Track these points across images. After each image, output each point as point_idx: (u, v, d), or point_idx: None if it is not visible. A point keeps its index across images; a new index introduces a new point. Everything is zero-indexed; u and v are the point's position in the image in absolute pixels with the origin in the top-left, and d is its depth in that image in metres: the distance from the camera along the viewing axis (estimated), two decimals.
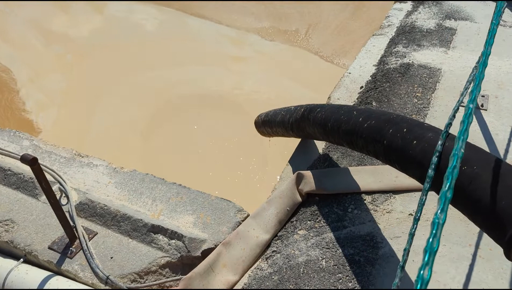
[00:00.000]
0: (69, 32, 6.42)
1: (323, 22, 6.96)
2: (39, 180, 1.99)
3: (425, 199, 1.38)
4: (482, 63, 1.20)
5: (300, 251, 2.10)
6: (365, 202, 2.30)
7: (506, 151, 2.49)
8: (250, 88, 5.64)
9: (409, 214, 2.21)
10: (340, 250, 2.07)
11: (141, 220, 2.30)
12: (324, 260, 2.01)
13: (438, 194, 1.55)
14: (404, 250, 1.29)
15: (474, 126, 2.69)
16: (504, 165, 1.39)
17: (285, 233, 2.25)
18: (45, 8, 7.04)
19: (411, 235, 1.32)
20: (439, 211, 0.89)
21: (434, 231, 0.80)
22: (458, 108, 1.66)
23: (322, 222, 2.23)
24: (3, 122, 5.16)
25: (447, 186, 0.85)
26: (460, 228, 2.07)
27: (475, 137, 2.61)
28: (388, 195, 2.33)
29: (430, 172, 1.43)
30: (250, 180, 4.36)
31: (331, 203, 2.33)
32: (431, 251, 0.77)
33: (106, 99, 5.20)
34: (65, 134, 4.75)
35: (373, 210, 2.23)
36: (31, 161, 1.92)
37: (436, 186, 1.53)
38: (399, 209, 2.24)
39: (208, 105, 5.05)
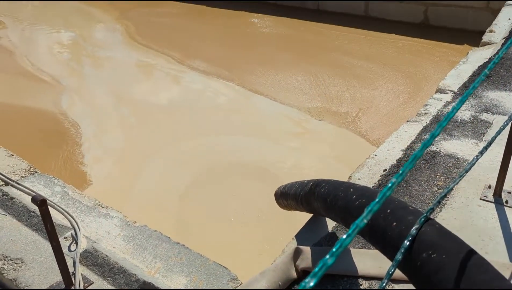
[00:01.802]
0: (139, 97, 7.00)
1: (374, 107, 7.05)
2: (44, 222, 2.13)
3: (386, 282, 1.31)
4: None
5: None
6: (361, 287, 2.19)
7: None
8: (293, 163, 5.71)
9: None
10: None
11: (135, 275, 2.34)
12: None
13: (414, 283, 1.48)
14: None
15: (494, 223, 2.53)
16: (475, 257, 1.31)
17: None
18: (126, 73, 7.79)
19: None
20: None
21: None
22: (445, 195, 1.61)
23: None
24: (60, 171, 5.59)
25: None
26: None
27: (493, 234, 2.44)
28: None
29: (398, 255, 1.38)
30: (275, 255, 4.28)
31: (325, 283, 2.23)
32: None
33: (156, 161, 5.51)
34: (112, 188, 5.05)
35: None
36: (40, 203, 2.08)
37: (408, 272, 1.47)
38: None
39: (250, 176, 5.17)
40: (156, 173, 5.22)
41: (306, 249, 2.36)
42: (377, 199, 0.91)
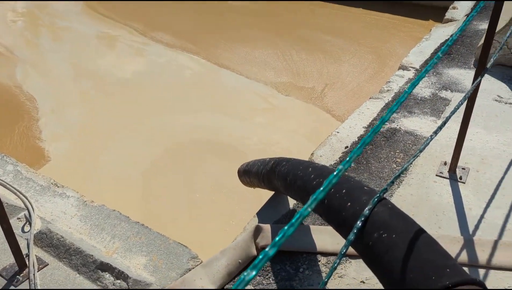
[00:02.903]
0: (100, 70, 6.73)
1: (341, 82, 7.08)
2: None
3: (338, 262, 1.33)
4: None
5: None
6: (319, 263, 2.23)
7: (476, 227, 2.39)
8: (259, 139, 5.70)
9: (361, 281, 2.11)
10: None
11: (92, 256, 2.29)
12: None
13: (366, 262, 1.50)
14: None
15: (448, 198, 2.61)
16: (424, 236, 1.34)
17: (232, 286, 2.18)
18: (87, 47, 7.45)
19: None
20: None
21: None
22: (399, 176, 1.62)
23: (271, 279, 2.16)
24: (16, 147, 5.36)
25: None
26: None
27: (447, 209, 2.53)
28: (344, 259, 2.25)
29: (351, 236, 1.39)
30: (239, 231, 4.30)
31: (285, 260, 2.26)
32: None
33: (119, 138, 5.36)
34: (72, 166, 4.89)
35: (324, 273, 2.15)
36: None
37: (361, 251, 1.49)
38: (352, 274, 2.15)
39: (215, 152, 5.12)
40: (119, 150, 5.09)
41: (266, 227, 2.36)
42: (322, 187, 0.89)
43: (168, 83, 6.41)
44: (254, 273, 0.77)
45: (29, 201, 2.69)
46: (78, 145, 5.20)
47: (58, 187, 2.90)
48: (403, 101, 1.26)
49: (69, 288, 2.18)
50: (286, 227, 0.84)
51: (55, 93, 6.16)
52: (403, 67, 4.58)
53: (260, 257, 0.79)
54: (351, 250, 2.22)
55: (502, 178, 2.77)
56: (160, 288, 2.17)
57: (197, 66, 6.94)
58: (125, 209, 2.97)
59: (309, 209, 0.88)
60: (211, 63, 6.96)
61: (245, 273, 0.76)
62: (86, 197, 2.82)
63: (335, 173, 0.92)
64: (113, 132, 5.37)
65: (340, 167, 0.94)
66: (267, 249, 0.81)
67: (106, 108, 5.81)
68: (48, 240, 2.42)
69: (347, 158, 0.94)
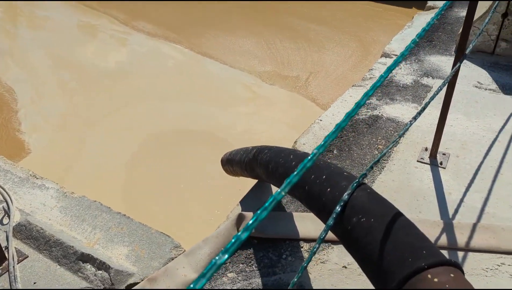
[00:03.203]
0: (81, 60, 6.60)
1: (325, 71, 7.09)
2: None
3: (318, 247, 1.33)
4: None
5: None
6: (301, 249, 2.24)
7: (456, 211, 2.42)
8: (243, 128, 5.68)
9: (343, 266, 2.13)
10: None
11: (72, 247, 2.26)
12: None
13: (346, 247, 1.51)
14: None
15: (429, 183, 2.64)
16: (401, 219, 1.35)
17: (215, 274, 2.18)
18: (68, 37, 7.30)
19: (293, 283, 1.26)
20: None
21: None
22: (378, 160, 1.63)
23: (253, 267, 2.17)
24: None
25: None
26: None
27: (427, 194, 2.56)
28: (326, 244, 2.26)
29: (330, 220, 1.39)
30: (223, 219, 4.29)
31: (268, 247, 2.26)
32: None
33: (100, 128, 5.28)
34: (52, 158, 4.81)
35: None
36: None
37: (340, 236, 1.49)
38: (334, 260, 2.17)
39: (199, 142, 5.09)
40: (101, 141, 5.02)
41: (249, 215, 2.36)
42: (296, 172, 0.89)
43: (150, 73, 6.33)
44: (226, 256, 0.76)
45: (7, 193, 2.64)
46: (58, 137, 5.12)
47: (37, 178, 2.85)
48: (378, 86, 1.26)
49: (50, 279, 2.15)
50: (259, 211, 0.83)
51: (34, 84, 6.04)
52: (386, 55, 4.59)
53: (232, 241, 0.79)
54: (333, 236, 2.24)
55: (481, 162, 2.82)
56: (143, 277, 2.15)
57: (180, 55, 6.87)
58: (107, 200, 2.93)
59: (283, 193, 0.88)
60: (194, 52, 6.89)
61: (217, 257, 0.75)
62: (66, 189, 2.77)
63: (309, 157, 0.92)
64: (94, 122, 5.29)
65: (315, 151, 0.93)
66: (239, 233, 0.80)
67: (87, 99, 5.72)
68: (28, 232, 2.38)
69: (322, 142, 0.93)
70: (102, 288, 2.12)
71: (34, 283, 2.13)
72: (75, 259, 2.23)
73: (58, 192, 2.73)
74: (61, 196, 2.70)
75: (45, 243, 2.32)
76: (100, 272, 2.18)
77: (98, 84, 6.01)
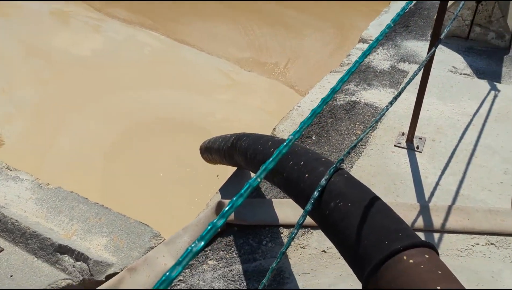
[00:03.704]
0: (54, 48, 6.43)
1: (303, 57, 7.08)
2: None
3: (296, 233, 1.34)
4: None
5: (205, 282, 2.03)
6: (281, 235, 2.25)
7: (432, 194, 2.47)
8: (222, 116, 5.65)
9: (323, 251, 2.16)
10: (245, 283, 2.00)
11: (49, 239, 2.22)
12: None
13: (324, 231, 1.53)
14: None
15: (406, 167, 2.69)
16: (378, 203, 1.37)
17: (195, 262, 2.18)
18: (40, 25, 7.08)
19: (272, 269, 1.27)
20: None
21: None
22: (355, 145, 1.64)
23: (234, 253, 2.17)
24: None
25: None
26: None
27: (404, 178, 2.60)
28: (306, 230, 2.28)
29: (308, 206, 1.40)
30: (203, 207, 4.28)
31: (248, 234, 2.27)
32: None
33: (76, 118, 5.17)
34: (26, 149, 4.69)
35: None
36: None
37: (318, 220, 1.51)
38: (313, 245, 2.19)
39: (178, 130, 5.04)
40: (76, 130, 4.92)
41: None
42: (271, 158, 0.88)
43: (126, 60, 6.21)
44: (202, 243, 0.76)
45: None
46: (33, 127, 4.99)
47: (11, 170, 2.78)
48: (353, 71, 1.26)
49: (27, 272, 2.11)
50: (234, 198, 0.83)
51: (5, 73, 5.85)
52: (363, 40, 4.61)
53: (208, 227, 0.78)
54: (312, 221, 2.26)
55: (456, 146, 2.88)
56: (122, 267, 2.14)
57: (156, 42, 6.76)
58: (84, 191, 2.88)
59: (259, 180, 0.88)
60: (171, 39, 6.79)
61: (193, 245, 0.75)
62: (41, 180, 2.72)
63: (285, 143, 0.92)
64: (70, 112, 5.17)
65: (290, 137, 0.93)
66: (214, 220, 0.80)
67: (62, 88, 5.58)
68: (2, 225, 2.33)
69: (297, 128, 0.93)
70: (81, 279, 2.10)
71: (11, 276, 2.09)
72: (53, 251, 2.20)
73: (33, 183, 2.67)
74: (36, 188, 2.64)
75: (21, 235, 2.28)
76: (79, 263, 2.15)
77: (73, 72, 5.86)
